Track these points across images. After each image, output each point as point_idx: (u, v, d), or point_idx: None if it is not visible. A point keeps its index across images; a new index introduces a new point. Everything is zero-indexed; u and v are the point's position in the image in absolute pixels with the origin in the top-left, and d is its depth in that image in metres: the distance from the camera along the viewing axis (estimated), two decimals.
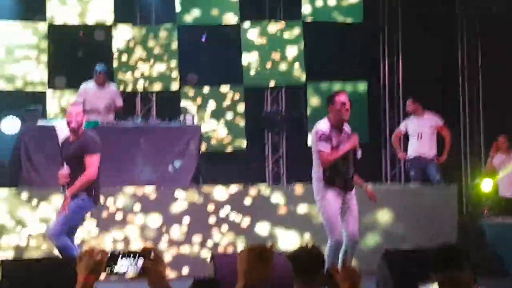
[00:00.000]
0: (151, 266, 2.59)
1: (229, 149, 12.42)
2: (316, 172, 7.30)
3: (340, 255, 7.36)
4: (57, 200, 9.19)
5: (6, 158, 10.40)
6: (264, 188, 9.82)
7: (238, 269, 2.52)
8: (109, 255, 2.61)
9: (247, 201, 9.57)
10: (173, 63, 12.41)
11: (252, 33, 12.57)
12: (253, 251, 2.51)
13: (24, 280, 6.50)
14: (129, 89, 12.31)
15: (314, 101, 12.53)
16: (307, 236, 9.32)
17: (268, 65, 12.56)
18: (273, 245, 2.58)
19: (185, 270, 9.14)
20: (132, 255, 2.62)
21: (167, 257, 9.13)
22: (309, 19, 12.58)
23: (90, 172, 7.53)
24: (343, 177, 7.22)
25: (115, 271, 2.61)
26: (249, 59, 12.54)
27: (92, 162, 7.55)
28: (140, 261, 2.60)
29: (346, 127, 7.36)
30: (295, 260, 4.24)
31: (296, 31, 12.57)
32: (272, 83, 12.69)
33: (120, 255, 2.62)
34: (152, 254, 2.62)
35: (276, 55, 12.55)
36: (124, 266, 2.61)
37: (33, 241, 9.09)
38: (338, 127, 7.21)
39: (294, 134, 12.74)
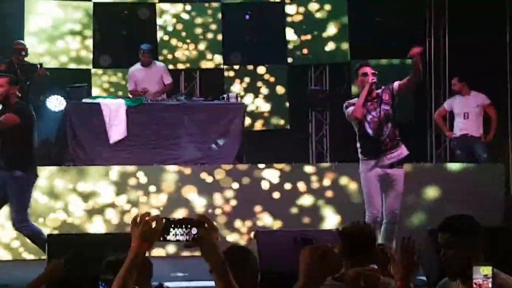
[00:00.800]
0: (204, 235, 2.56)
1: (272, 128, 12.39)
2: (357, 146, 7.65)
3: (382, 231, 7.35)
4: (101, 176, 9.27)
5: (52, 135, 10.50)
6: (307, 167, 9.79)
7: (300, 267, 2.48)
8: (163, 222, 2.59)
9: (290, 179, 9.55)
10: (217, 41, 12.38)
11: (296, 11, 12.49)
12: (316, 251, 2.46)
13: (69, 254, 6.54)
14: (173, 67, 12.32)
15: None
16: (349, 214, 9.26)
17: (312, 43, 12.48)
18: (336, 245, 2.52)
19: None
20: (185, 223, 2.59)
21: None
22: None
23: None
24: (375, 142, 7.44)
25: (168, 239, 2.59)
26: (293, 37, 12.46)
27: None
28: (194, 230, 2.57)
29: (377, 90, 7.55)
30: (346, 238, 4.19)
31: (341, 7, 12.44)
32: (316, 61, 12.61)
33: (174, 224, 2.59)
34: (206, 223, 2.58)
35: (320, 33, 12.46)
36: (177, 234, 2.58)
37: (77, 218, 9.19)
38: (367, 98, 7.49)
39: (338, 112, 12.62)
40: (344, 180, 9.61)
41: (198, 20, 12.39)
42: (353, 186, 9.48)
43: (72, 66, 12.00)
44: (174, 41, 12.36)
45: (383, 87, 7.60)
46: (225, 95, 10.69)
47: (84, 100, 10.09)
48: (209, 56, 12.42)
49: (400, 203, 7.54)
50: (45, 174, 9.14)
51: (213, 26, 12.41)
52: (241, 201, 9.42)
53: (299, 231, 7.50)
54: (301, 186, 9.55)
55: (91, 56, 12.08)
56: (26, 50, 10.61)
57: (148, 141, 9.96)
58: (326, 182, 9.61)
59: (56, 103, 10.90)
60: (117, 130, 9.82)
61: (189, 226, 2.57)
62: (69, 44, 11.99)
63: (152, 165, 9.54)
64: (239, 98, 10.71)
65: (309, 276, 2.41)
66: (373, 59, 12.29)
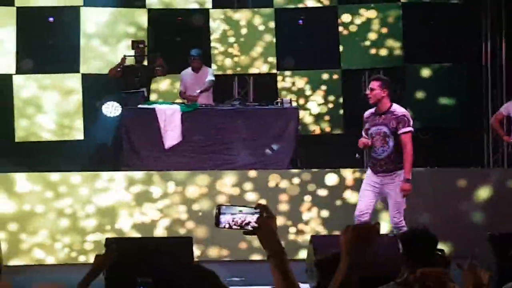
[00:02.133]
0: (263, 222, 2.54)
1: (326, 133, 12.35)
2: None
3: None
4: (157, 181, 9.34)
5: (108, 140, 10.61)
6: (360, 172, 9.74)
7: (342, 248, 2.45)
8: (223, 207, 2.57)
9: (344, 184, 9.51)
10: (271, 46, 12.38)
11: (349, 15, 12.43)
12: (358, 230, 2.44)
13: (128, 257, 6.59)
14: (226, 72, 12.36)
15: (412, 83, 12.32)
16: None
17: (366, 47, 12.41)
18: (377, 224, 2.50)
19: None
20: (244, 211, 2.57)
21: None
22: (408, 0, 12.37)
23: None
24: (373, 159, 7.74)
25: (227, 227, 2.58)
26: (346, 41, 12.40)
27: None
28: (253, 218, 2.55)
29: (395, 111, 7.66)
30: (407, 242, 4.15)
31: (394, 12, 12.36)
32: (370, 66, 12.54)
33: (233, 211, 2.57)
34: (265, 211, 2.57)
35: (373, 37, 12.38)
36: (236, 221, 2.57)
37: (136, 223, 9.26)
38: (377, 112, 7.72)
39: None
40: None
41: (251, 26, 12.41)
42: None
43: None
44: (227, 47, 12.40)
45: (400, 111, 7.65)
46: (278, 100, 10.69)
47: (139, 106, 10.17)
48: (262, 61, 12.43)
49: (400, 211, 7.57)
50: (105, 178, 9.27)
51: (266, 32, 12.42)
52: (296, 205, 9.40)
53: None
54: (355, 191, 9.50)
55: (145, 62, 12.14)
56: (143, 42, 10.84)
57: (203, 146, 10.00)
58: None
59: (111, 109, 11.02)
60: (172, 135, 9.88)
61: (248, 213, 2.55)
62: (124, 50, 12.08)
63: (206, 170, 9.58)
64: (292, 103, 10.69)
65: (354, 256, 2.39)
66: (427, 63, 12.25)
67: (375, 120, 7.70)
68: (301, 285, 2.57)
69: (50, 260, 9.10)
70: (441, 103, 12.24)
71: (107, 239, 7.12)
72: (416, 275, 3.38)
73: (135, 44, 10.93)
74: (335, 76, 12.40)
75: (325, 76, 12.45)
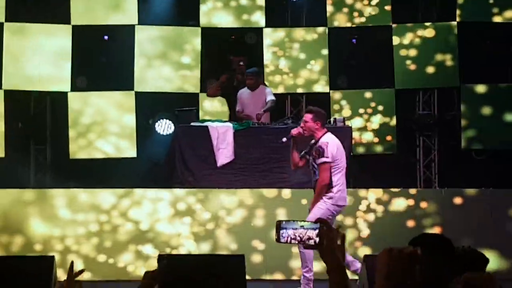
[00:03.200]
0: (324, 237, 2.54)
1: (379, 152, 12.23)
2: None
3: None
4: (207, 199, 9.34)
5: (161, 158, 10.67)
6: (415, 192, 9.62)
7: (379, 271, 2.41)
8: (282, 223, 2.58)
9: (398, 205, 9.40)
10: (324, 65, 12.32)
11: (404, 34, 12.31)
12: (401, 254, 2.38)
13: (179, 275, 6.58)
14: (279, 91, 12.34)
15: (468, 104, 12.12)
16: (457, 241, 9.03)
17: (420, 67, 12.28)
18: (416, 250, 2.43)
19: None
20: (306, 226, 2.58)
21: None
22: (464, 19, 12.19)
23: None
24: None
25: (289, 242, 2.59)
26: (400, 60, 12.28)
27: None
28: (314, 232, 2.55)
29: (319, 142, 7.82)
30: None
31: (449, 31, 12.21)
32: (424, 85, 12.40)
33: (294, 226, 2.58)
34: (325, 226, 2.57)
35: (428, 56, 12.24)
36: (297, 236, 2.58)
37: (184, 240, 9.27)
38: (312, 144, 7.89)
39: (446, 137, 12.41)
40: (453, 206, 9.38)
41: (305, 44, 12.38)
42: (462, 212, 9.26)
43: (182, 90, 12.14)
44: (280, 65, 12.38)
45: (322, 141, 7.77)
46: (331, 119, 10.63)
47: (192, 124, 10.20)
48: (315, 80, 12.39)
49: None
50: (160, 196, 9.31)
51: (320, 50, 12.38)
52: (345, 224, 9.32)
53: None
54: (406, 210, 9.40)
55: (198, 80, 12.18)
56: (244, 59, 10.92)
57: (255, 164, 9.99)
58: (433, 207, 9.42)
59: (165, 126, 11.09)
60: (224, 153, 9.89)
61: (309, 228, 2.56)
62: (178, 69, 12.15)
63: (258, 188, 9.57)
64: (345, 122, 10.62)
65: (389, 279, 2.34)
66: (484, 83, 12.05)
67: (311, 151, 7.83)
68: None
69: (92, 276, 9.14)
70: (501, 124, 11.89)
71: (159, 255, 7.11)
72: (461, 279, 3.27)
73: (235, 62, 10.94)
74: (387, 96, 12.29)
75: (378, 95, 12.34)
